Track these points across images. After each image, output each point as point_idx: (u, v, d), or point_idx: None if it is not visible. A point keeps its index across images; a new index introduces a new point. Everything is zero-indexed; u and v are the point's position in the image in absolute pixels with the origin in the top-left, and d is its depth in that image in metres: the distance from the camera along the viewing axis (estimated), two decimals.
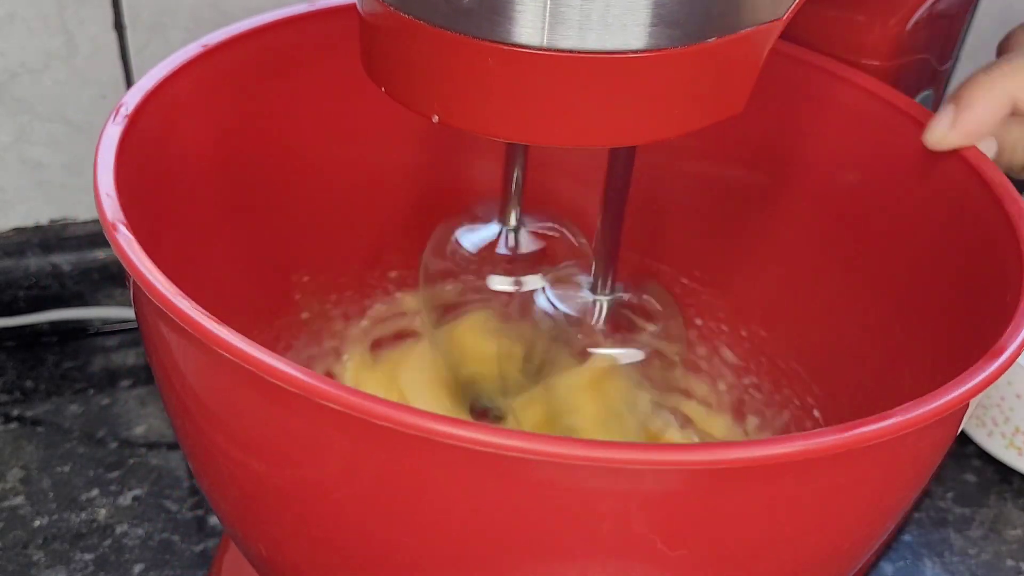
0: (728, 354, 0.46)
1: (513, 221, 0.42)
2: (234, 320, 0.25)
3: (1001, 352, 0.26)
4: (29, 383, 0.53)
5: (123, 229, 0.27)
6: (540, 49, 0.26)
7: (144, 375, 0.54)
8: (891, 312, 0.37)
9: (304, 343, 0.46)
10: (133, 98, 0.33)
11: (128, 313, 0.57)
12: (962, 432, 0.54)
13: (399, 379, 0.46)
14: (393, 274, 0.48)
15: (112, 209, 0.28)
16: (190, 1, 0.52)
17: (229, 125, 0.39)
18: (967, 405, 0.26)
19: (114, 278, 0.57)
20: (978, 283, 0.32)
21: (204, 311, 0.24)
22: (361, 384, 0.46)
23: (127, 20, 0.51)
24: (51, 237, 0.56)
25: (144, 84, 0.34)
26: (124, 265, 0.27)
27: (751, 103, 0.29)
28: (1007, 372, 0.49)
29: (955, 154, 0.34)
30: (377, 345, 0.48)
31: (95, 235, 0.57)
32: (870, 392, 0.38)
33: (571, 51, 0.26)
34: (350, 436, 0.24)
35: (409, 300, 0.48)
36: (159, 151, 0.34)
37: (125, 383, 0.54)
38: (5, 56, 0.51)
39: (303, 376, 0.23)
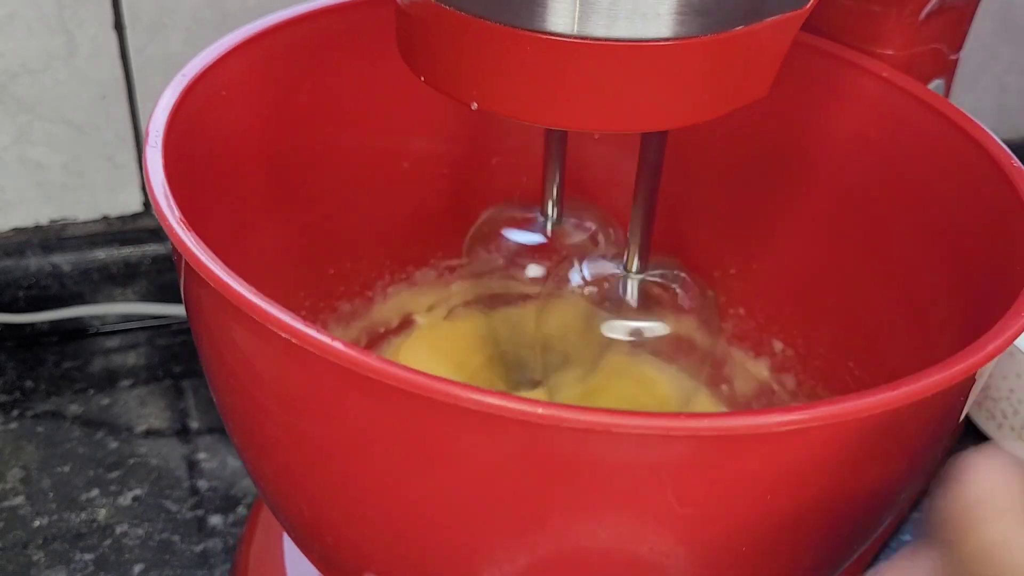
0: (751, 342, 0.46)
1: (552, 213, 0.43)
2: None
3: (1008, 327, 0.27)
4: (29, 383, 0.53)
5: (174, 207, 0.28)
6: (572, 37, 0.27)
7: (144, 375, 0.54)
8: (907, 293, 0.38)
9: (336, 328, 0.46)
10: (179, 84, 0.34)
11: (128, 313, 0.57)
12: (963, 431, 0.54)
13: (443, 356, 0.47)
14: (433, 260, 0.48)
15: (162, 192, 0.29)
16: (190, 1, 0.52)
17: (270, 112, 0.39)
18: (973, 378, 0.27)
19: (114, 278, 0.57)
20: (991, 264, 0.33)
21: (258, 293, 0.25)
22: (404, 358, 0.47)
23: (127, 20, 0.51)
24: (51, 237, 0.56)
25: (189, 71, 0.35)
26: (172, 241, 0.27)
27: (770, 92, 0.30)
28: (1017, 364, 0.50)
29: (970, 140, 0.35)
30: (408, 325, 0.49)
31: (95, 235, 0.57)
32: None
33: (602, 39, 0.27)
34: (389, 404, 0.25)
35: (437, 289, 0.49)
36: (202, 136, 0.35)
37: (125, 383, 0.54)
38: (5, 56, 0.51)
39: (348, 351, 0.24)
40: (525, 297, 0.45)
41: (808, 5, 0.29)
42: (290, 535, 0.35)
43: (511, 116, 0.29)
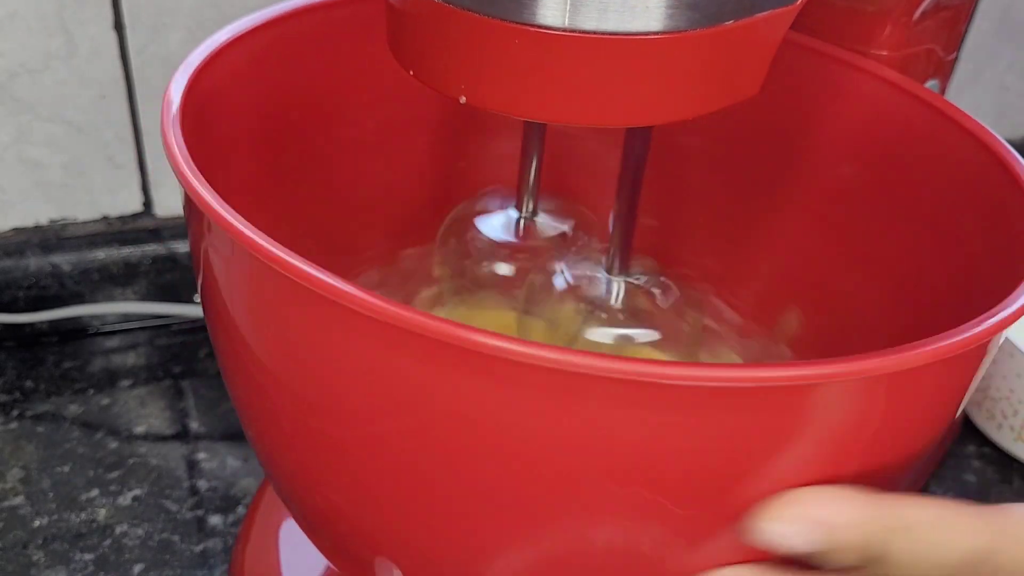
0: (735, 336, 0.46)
1: (529, 209, 0.42)
2: None
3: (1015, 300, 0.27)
4: (29, 383, 0.53)
5: (188, 159, 0.28)
6: (562, 30, 0.27)
7: (144, 375, 0.54)
8: (907, 291, 0.38)
9: None
10: (184, 73, 0.34)
11: (128, 312, 0.57)
12: (962, 432, 0.54)
13: None
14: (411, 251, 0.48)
15: (178, 143, 0.29)
16: (190, 1, 0.52)
17: (273, 101, 0.39)
18: (985, 346, 0.27)
19: (114, 278, 0.57)
20: (992, 258, 0.33)
21: (275, 242, 0.25)
22: None
23: (127, 20, 0.51)
24: (51, 237, 0.56)
25: (193, 60, 0.34)
26: (196, 202, 0.27)
27: (762, 90, 0.30)
28: (1017, 364, 0.49)
29: (967, 133, 0.35)
30: None
31: (95, 235, 0.57)
32: None
33: (592, 32, 0.27)
34: (413, 353, 0.25)
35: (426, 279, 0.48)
36: (208, 120, 0.35)
37: (125, 383, 0.54)
38: (5, 56, 0.51)
39: (369, 297, 0.24)
40: (499, 289, 0.44)
41: (799, 1, 0.29)
42: (299, 523, 0.35)
43: (499, 111, 0.29)
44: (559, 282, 0.40)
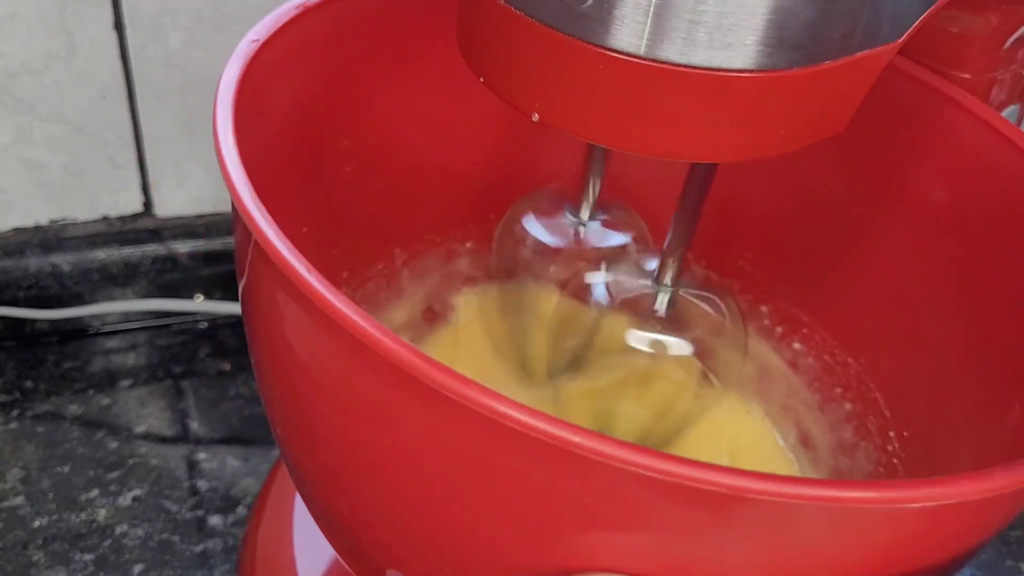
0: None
1: (586, 215, 0.42)
2: None
3: None
4: (29, 383, 0.53)
5: (250, 187, 0.27)
6: (642, 59, 0.25)
7: (144, 375, 0.54)
8: (993, 344, 0.36)
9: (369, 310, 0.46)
10: (236, 63, 0.32)
11: (129, 311, 0.57)
12: None
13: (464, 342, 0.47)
14: (468, 245, 0.48)
15: (239, 177, 0.28)
16: (190, 1, 0.52)
17: (317, 92, 0.38)
18: None
19: (114, 278, 0.57)
20: None
21: (326, 282, 0.24)
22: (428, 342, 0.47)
23: (127, 20, 0.51)
24: (51, 237, 0.56)
25: (243, 50, 0.33)
26: (246, 221, 0.26)
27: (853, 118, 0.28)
28: None
29: None
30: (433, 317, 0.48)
31: (95, 235, 0.57)
32: (957, 433, 0.36)
33: (675, 64, 0.25)
34: (432, 409, 0.24)
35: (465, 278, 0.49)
36: (254, 114, 0.34)
37: (125, 383, 0.54)
38: (5, 56, 0.51)
39: (410, 355, 0.23)
40: (548, 289, 0.45)
41: (903, 38, 0.27)
42: (321, 527, 0.35)
43: (573, 133, 0.28)
44: (600, 282, 0.39)
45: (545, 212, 0.43)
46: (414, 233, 0.46)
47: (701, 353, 0.38)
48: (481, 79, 0.29)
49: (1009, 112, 0.42)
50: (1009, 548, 0.49)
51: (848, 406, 0.43)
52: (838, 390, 0.43)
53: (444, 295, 0.48)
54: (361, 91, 0.40)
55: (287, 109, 0.37)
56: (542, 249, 0.43)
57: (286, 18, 0.35)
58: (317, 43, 0.37)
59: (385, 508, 0.29)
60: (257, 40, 0.33)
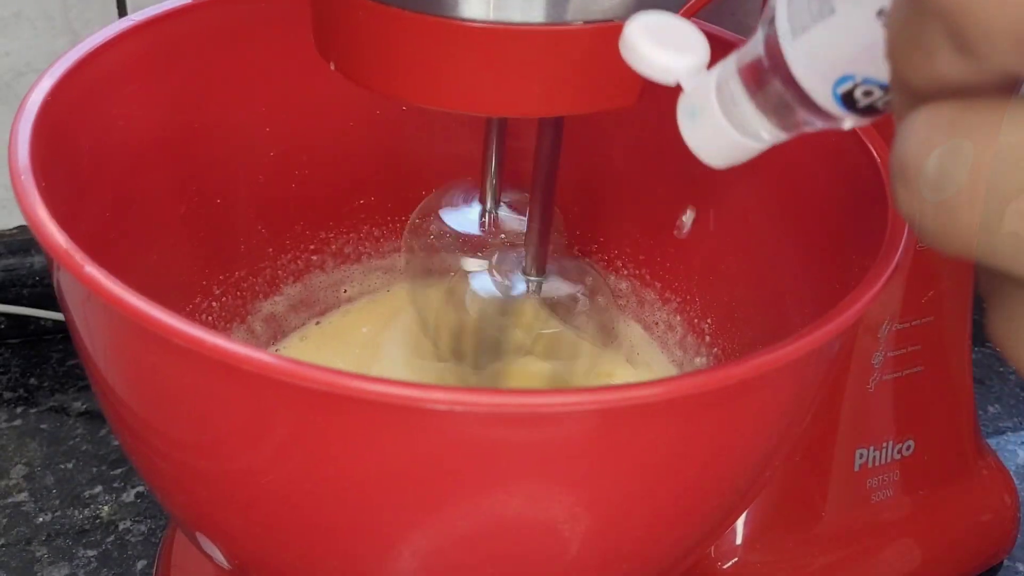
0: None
1: (490, 203, 0.43)
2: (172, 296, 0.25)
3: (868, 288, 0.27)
4: (33, 380, 0.54)
5: (41, 204, 0.28)
6: (481, 22, 0.27)
7: None
8: (764, 276, 0.39)
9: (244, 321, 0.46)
10: (54, 74, 0.33)
11: None
12: None
13: (380, 339, 0.47)
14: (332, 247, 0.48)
15: (28, 186, 0.28)
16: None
17: (167, 101, 0.38)
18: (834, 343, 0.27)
19: None
20: (856, 229, 0.33)
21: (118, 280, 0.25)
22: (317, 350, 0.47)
23: None
24: None
25: (70, 56, 0.34)
26: (41, 241, 0.26)
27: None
28: None
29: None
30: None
31: None
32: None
33: (479, 21, 0.27)
34: (258, 396, 0.24)
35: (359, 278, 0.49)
36: (83, 126, 0.34)
37: None
38: (11, 56, 0.51)
39: (222, 343, 0.23)
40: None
41: (685, 8, 0.28)
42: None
43: (405, 99, 0.29)
44: (480, 285, 0.41)
45: (452, 204, 0.44)
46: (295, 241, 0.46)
47: (578, 324, 0.41)
48: (332, 65, 0.31)
49: None
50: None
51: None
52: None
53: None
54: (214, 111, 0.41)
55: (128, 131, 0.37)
56: (451, 240, 0.43)
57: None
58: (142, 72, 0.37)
59: (243, 524, 0.29)
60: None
